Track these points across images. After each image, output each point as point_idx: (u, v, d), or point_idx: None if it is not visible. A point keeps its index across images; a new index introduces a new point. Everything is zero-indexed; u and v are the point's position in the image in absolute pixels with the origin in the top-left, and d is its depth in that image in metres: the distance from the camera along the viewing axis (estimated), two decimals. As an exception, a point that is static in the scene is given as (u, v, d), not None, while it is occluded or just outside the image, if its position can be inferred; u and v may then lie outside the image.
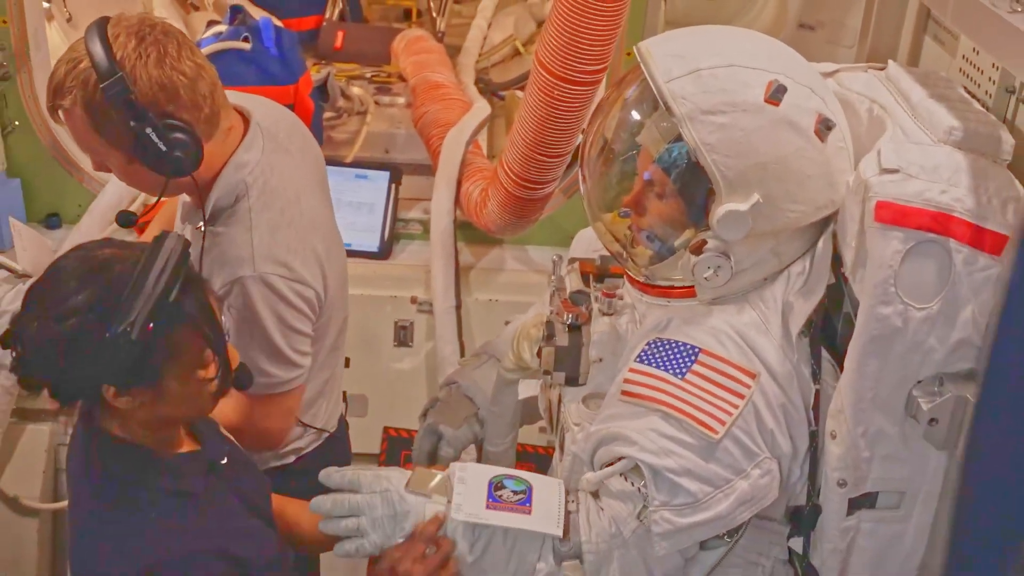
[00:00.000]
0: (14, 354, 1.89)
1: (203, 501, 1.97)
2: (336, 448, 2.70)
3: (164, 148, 2.13)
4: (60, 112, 2.18)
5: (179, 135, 2.15)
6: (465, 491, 2.05)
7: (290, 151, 2.42)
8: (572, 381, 2.24)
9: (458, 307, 3.54)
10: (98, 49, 2.09)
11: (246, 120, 2.36)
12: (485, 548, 2.03)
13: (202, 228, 2.29)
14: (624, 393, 2.02)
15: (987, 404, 1.31)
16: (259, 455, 2.42)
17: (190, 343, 1.89)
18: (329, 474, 2.08)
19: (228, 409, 2.28)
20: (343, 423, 2.82)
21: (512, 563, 2.03)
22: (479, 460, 2.96)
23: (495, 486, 2.06)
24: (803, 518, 2.08)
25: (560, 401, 2.30)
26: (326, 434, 2.67)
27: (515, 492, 2.06)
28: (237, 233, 2.27)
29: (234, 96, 2.48)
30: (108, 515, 1.92)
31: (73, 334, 1.80)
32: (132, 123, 2.11)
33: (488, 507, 2.02)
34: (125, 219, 2.36)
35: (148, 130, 2.12)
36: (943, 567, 1.35)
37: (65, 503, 2.77)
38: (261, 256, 2.26)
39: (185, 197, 2.42)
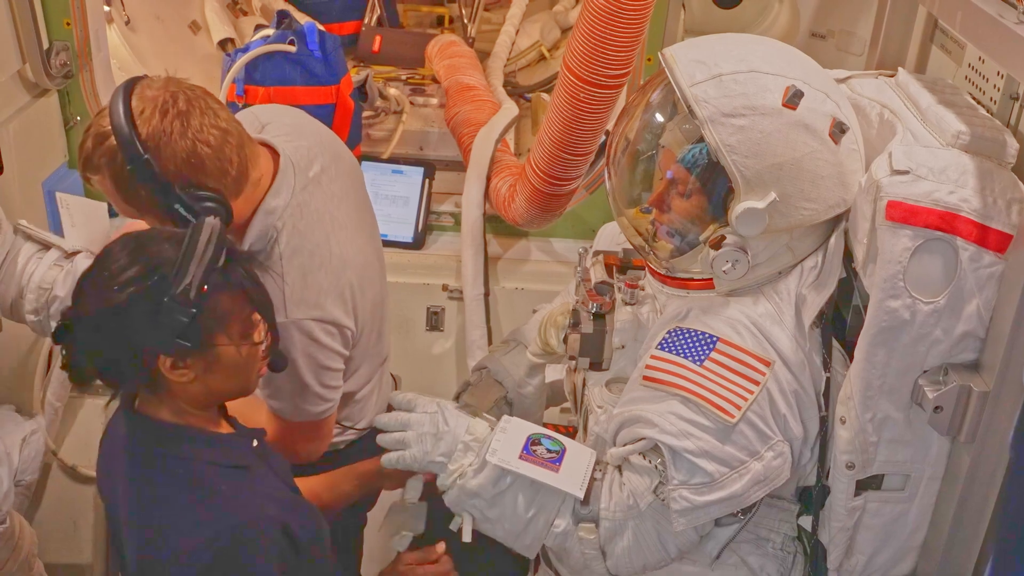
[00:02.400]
0: (64, 352, 1.85)
1: (253, 474, 1.96)
2: (368, 446, 2.53)
3: (193, 218, 2.03)
4: (93, 180, 2.12)
5: (207, 203, 2.08)
6: (504, 439, 2.06)
7: (320, 182, 2.30)
8: (596, 366, 2.23)
9: (486, 294, 3.53)
10: (123, 126, 2.02)
11: (276, 158, 2.26)
12: (508, 487, 2.03)
13: None
14: (646, 378, 2.01)
15: None
16: None
17: (240, 307, 1.88)
18: (393, 396, 2.15)
19: (262, 422, 2.25)
20: None
21: (531, 510, 2.04)
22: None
23: (532, 441, 2.07)
24: (812, 498, 2.07)
25: (584, 385, 2.30)
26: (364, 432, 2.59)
27: (549, 451, 2.06)
28: (268, 280, 2.12)
29: (268, 108, 2.42)
30: (169, 492, 1.86)
31: (132, 303, 1.78)
32: (159, 199, 2.06)
33: (520, 457, 2.04)
34: None
35: (176, 205, 2.06)
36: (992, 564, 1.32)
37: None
38: (293, 302, 2.19)
39: None
